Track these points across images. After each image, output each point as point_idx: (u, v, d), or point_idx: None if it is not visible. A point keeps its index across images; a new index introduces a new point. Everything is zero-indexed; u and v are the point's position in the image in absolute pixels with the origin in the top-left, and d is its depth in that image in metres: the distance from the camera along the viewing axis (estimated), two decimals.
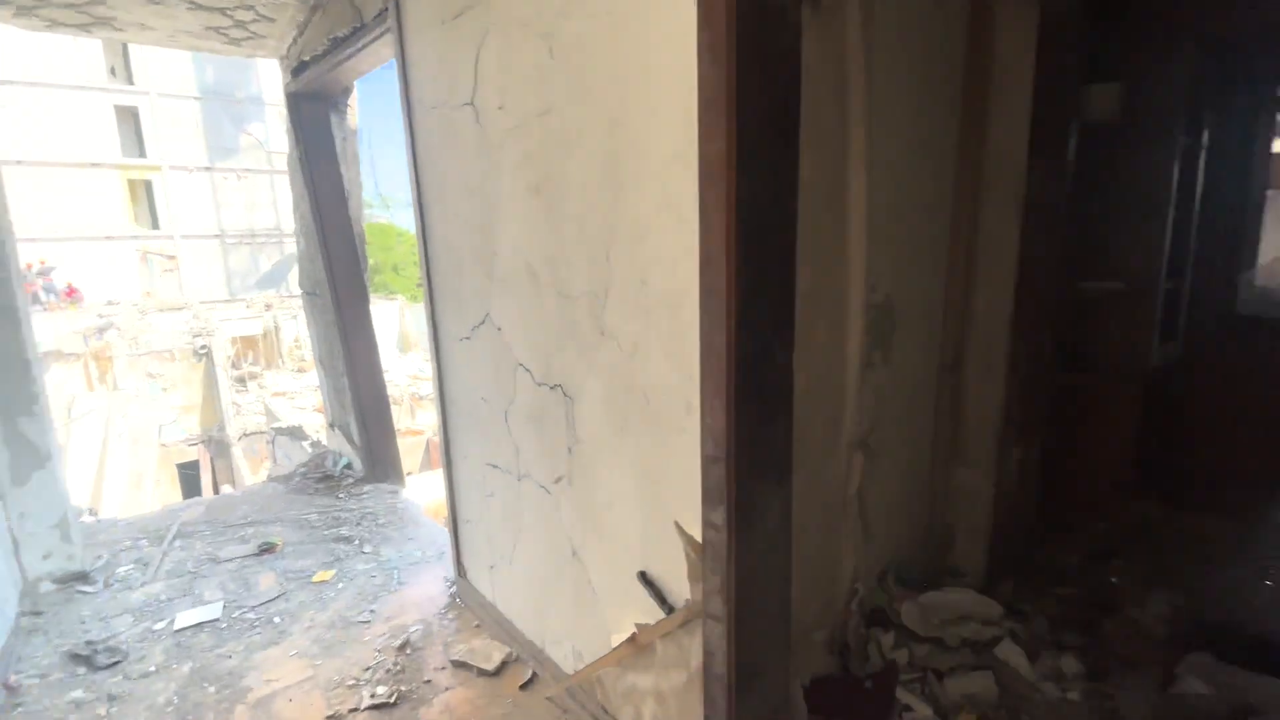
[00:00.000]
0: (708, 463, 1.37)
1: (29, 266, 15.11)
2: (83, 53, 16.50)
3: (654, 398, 1.51)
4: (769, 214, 1.30)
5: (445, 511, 2.79)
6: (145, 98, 17.80)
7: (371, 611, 2.67)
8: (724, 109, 1.20)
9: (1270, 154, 3.46)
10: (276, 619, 2.65)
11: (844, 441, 1.95)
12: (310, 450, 5.72)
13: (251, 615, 2.68)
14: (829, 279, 1.79)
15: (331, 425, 4.61)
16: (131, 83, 17.76)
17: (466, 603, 2.68)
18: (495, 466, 2.33)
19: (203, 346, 13.81)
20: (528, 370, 2.02)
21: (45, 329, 12.53)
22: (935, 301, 2.24)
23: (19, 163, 15.67)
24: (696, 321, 1.35)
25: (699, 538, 1.44)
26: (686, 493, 1.48)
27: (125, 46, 17.24)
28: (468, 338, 2.36)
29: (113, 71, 17.67)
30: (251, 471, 11.78)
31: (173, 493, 12.32)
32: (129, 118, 17.73)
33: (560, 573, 2.02)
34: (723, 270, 1.26)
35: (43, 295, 15.20)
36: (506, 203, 1.96)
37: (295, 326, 15.21)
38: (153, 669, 2.35)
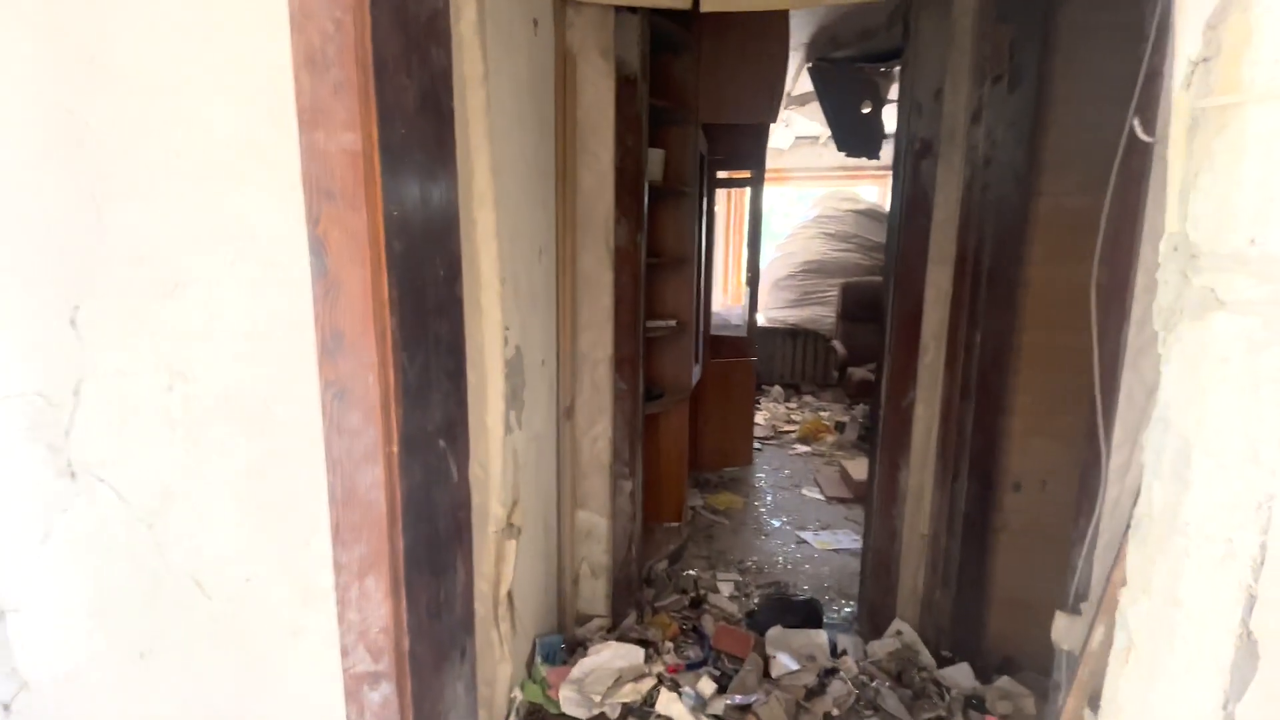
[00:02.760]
0: (359, 685, 0.76)
1: None
2: None
3: (221, 587, 0.78)
4: (431, 256, 0.79)
5: None
6: None
7: None
8: (357, 75, 0.64)
9: (713, 216, 4.54)
10: None
11: (492, 531, 1.52)
12: None
13: None
14: (471, 337, 1.34)
15: None
16: None
17: None
18: None
19: None
20: None
21: None
22: (550, 347, 2.03)
23: None
24: (307, 445, 0.72)
25: None
26: None
27: None
28: None
29: None
30: None
31: None
32: None
33: None
34: (371, 357, 0.68)
35: None
36: None
37: None
38: None
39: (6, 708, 0.92)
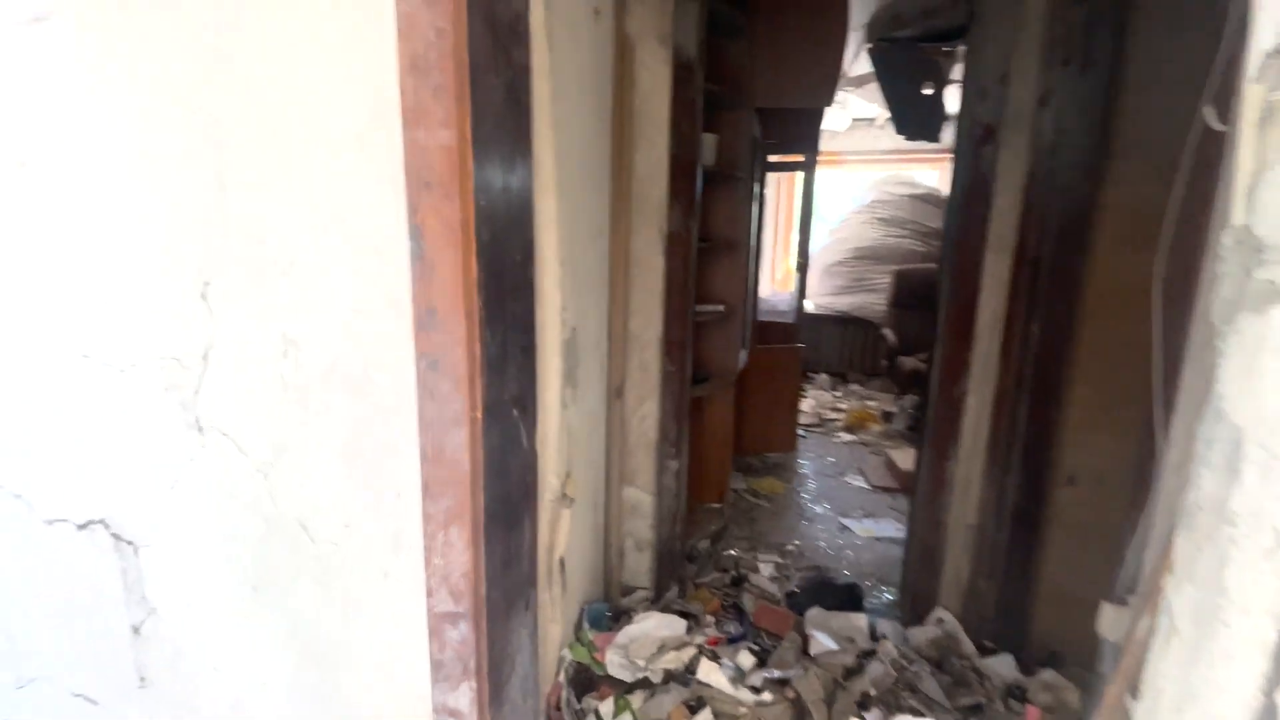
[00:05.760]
0: (441, 623, 0.86)
1: None
2: None
3: (323, 531, 0.89)
4: (510, 241, 0.87)
5: None
6: None
7: None
8: (454, 78, 0.72)
9: (763, 200, 4.53)
10: None
11: (547, 500, 1.62)
12: None
13: None
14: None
15: None
16: None
17: None
18: None
19: None
20: (17, 495, 1.04)
21: None
22: (603, 328, 2.11)
23: None
24: (401, 408, 0.82)
25: None
26: (391, 668, 0.92)
27: None
28: None
29: None
30: None
31: None
32: None
33: None
34: (460, 332, 0.77)
35: None
36: None
37: None
38: None
39: (136, 630, 1.06)
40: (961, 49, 3.53)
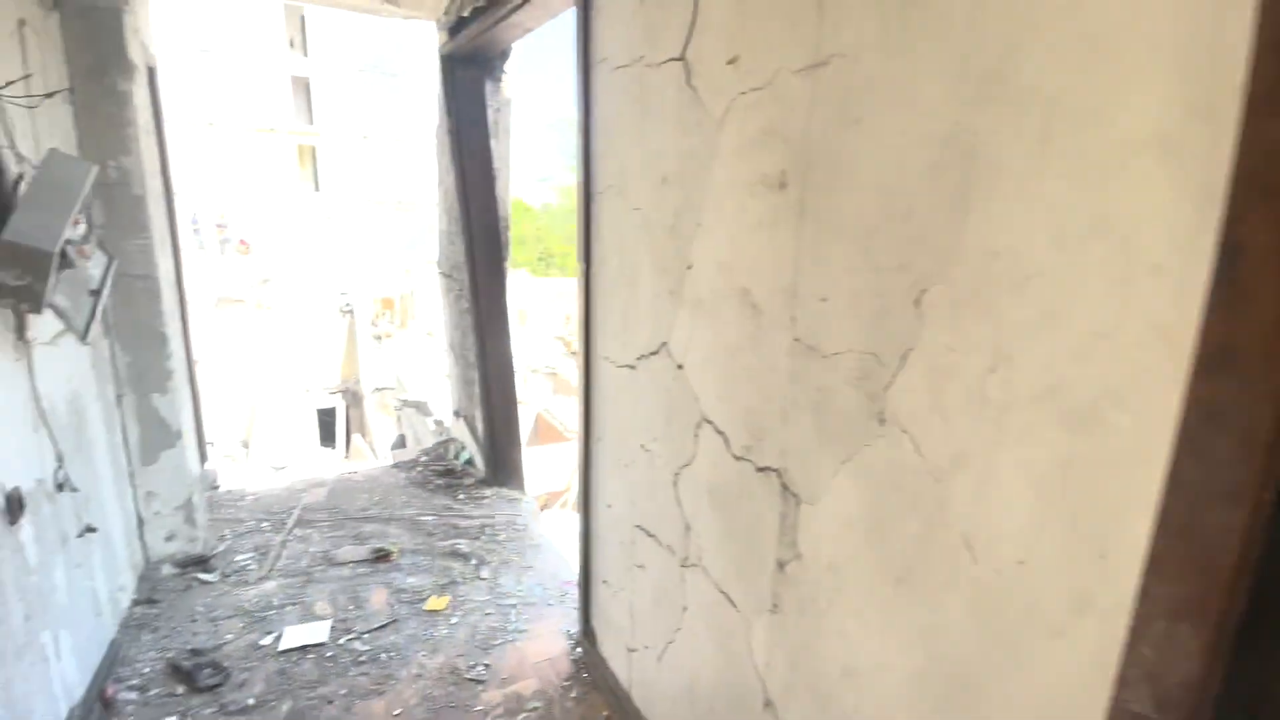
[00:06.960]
0: None
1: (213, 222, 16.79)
2: (266, 24, 17.78)
3: (989, 557, 0.88)
4: None
5: (568, 538, 2.31)
6: (316, 68, 18.96)
7: (486, 667, 2.26)
8: None
9: None
10: (384, 655, 2.30)
11: None
12: (434, 432, 5.61)
13: (359, 645, 2.35)
14: None
15: (456, 414, 4.34)
16: (306, 55, 18.96)
17: (594, 679, 2.19)
18: (650, 535, 1.78)
19: (347, 304, 14.54)
20: (720, 433, 1.44)
21: (219, 275, 14.04)
22: None
23: (210, 124, 17.25)
24: (1142, 458, 0.70)
25: None
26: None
27: (303, 20, 18.45)
28: (630, 366, 1.82)
29: (291, 44, 18.93)
30: (383, 413, 12.30)
31: (310, 440, 13.15)
32: (302, 87, 18.99)
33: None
34: (1269, 385, 0.60)
35: (220, 245, 16.83)
36: (719, 199, 1.37)
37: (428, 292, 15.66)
38: (250, 701, 2.05)
39: (781, 566, 1.31)
40: None
